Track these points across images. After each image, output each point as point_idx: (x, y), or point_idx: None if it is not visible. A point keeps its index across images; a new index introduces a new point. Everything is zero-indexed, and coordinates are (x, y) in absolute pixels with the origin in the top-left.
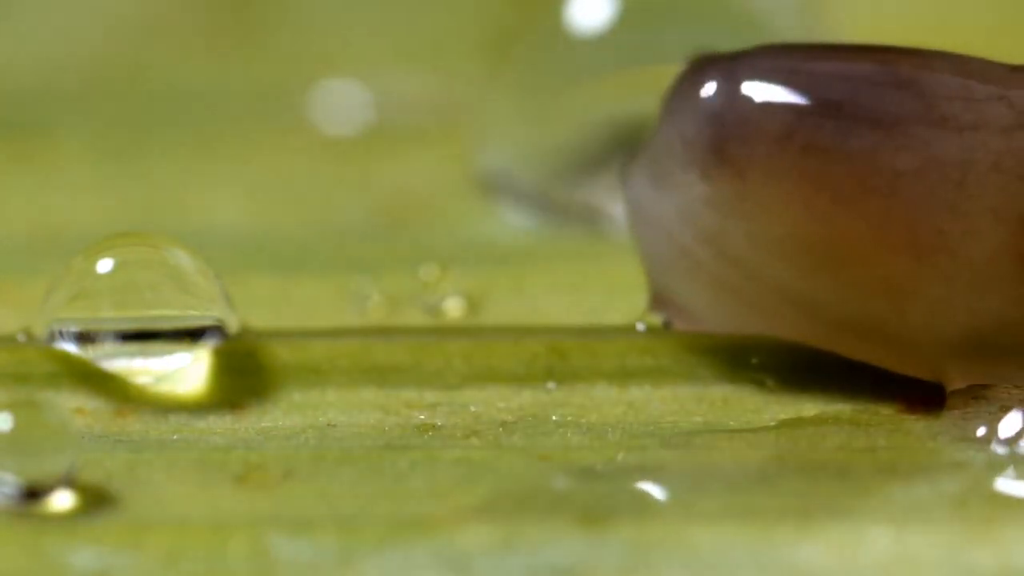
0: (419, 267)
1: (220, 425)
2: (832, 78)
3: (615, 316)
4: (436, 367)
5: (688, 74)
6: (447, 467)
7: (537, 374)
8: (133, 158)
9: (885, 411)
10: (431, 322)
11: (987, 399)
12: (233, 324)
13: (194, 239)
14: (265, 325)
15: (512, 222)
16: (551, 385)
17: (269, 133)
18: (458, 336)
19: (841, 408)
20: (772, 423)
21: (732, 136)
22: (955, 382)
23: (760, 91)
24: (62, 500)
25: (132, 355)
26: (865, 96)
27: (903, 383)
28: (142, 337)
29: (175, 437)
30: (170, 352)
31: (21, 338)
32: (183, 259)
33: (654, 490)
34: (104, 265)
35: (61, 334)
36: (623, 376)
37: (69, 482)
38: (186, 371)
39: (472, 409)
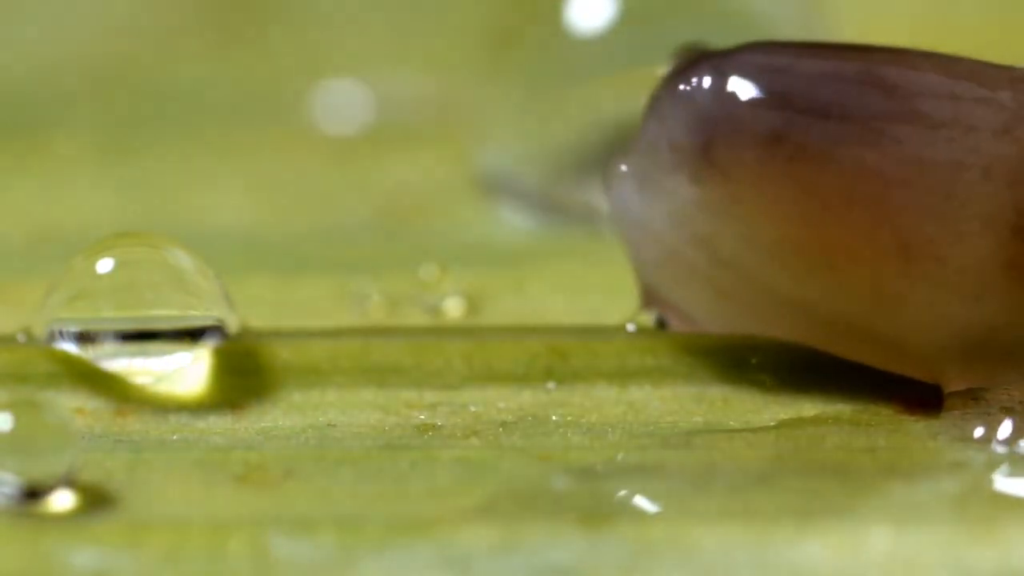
0: (419, 267)
1: (220, 425)
2: (822, 80)
3: (615, 316)
4: (436, 367)
5: (676, 74)
6: (447, 467)
7: (537, 374)
8: (133, 158)
9: (885, 411)
10: (431, 322)
11: (987, 400)
12: (233, 324)
13: (194, 239)
14: (265, 325)
15: (512, 222)
16: (551, 385)
17: (269, 133)
18: (458, 336)
19: (841, 408)
20: (772, 423)
21: (722, 140)
22: (947, 385)
23: (749, 94)
24: (62, 500)
25: (132, 355)
26: (855, 100)
27: (903, 383)
28: (142, 337)
29: (175, 437)
30: (170, 352)
31: (21, 338)
32: (183, 259)
33: (654, 490)
34: (104, 265)
35: (61, 334)
36: (623, 376)
37: (69, 482)
38: (186, 371)
39: (472, 409)
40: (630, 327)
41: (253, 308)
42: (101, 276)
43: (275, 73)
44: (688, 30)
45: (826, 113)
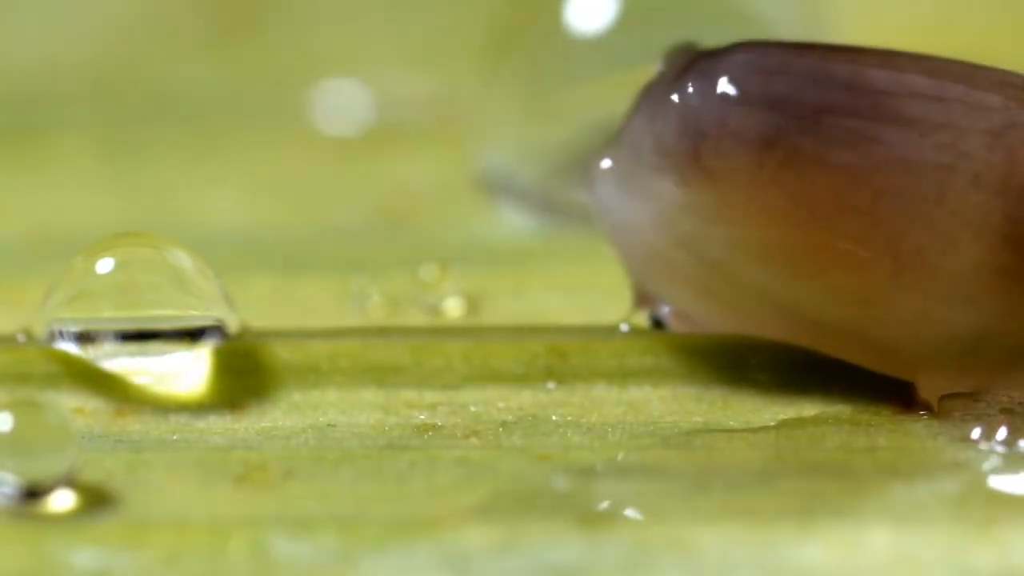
0: (419, 267)
1: (220, 425)
2: (813, 84)
3: (615, 316)
4: (436, 367)
5: (666, 75)
6: (447, 467)
7: (537, 374)
8: (133, 158)
9: (885, 411)
10: (431, 322)
11: (987, 401)
12: (233, 324)
13: (194, 239)
14: (265, 325)
15: (512, 222)
16: (551, 385)
17: (269, 133)
18: (458, 336)
19: (841, 408)
20: (772, 423)
21: (712, 144)
22: (936, 389)
23: (741, 97)
24: (62, 500)
25: (132, 355)
26: (845, 105)
27: (903, 383)
28: (142, 337)
29: (175, 437)
30: (170, 352)
31: (21, 338)
32: (183, 259)
33: (654, 490)
34: (104, 265)
35: (61, 334)
36: (623, 376)
37: (69, 482)
38: (186, 371)
39: (472, 409)
40: (624, 327)
41: (253, 308)
42: (101, 276)
43: (275, 73)
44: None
45: (817, 118)
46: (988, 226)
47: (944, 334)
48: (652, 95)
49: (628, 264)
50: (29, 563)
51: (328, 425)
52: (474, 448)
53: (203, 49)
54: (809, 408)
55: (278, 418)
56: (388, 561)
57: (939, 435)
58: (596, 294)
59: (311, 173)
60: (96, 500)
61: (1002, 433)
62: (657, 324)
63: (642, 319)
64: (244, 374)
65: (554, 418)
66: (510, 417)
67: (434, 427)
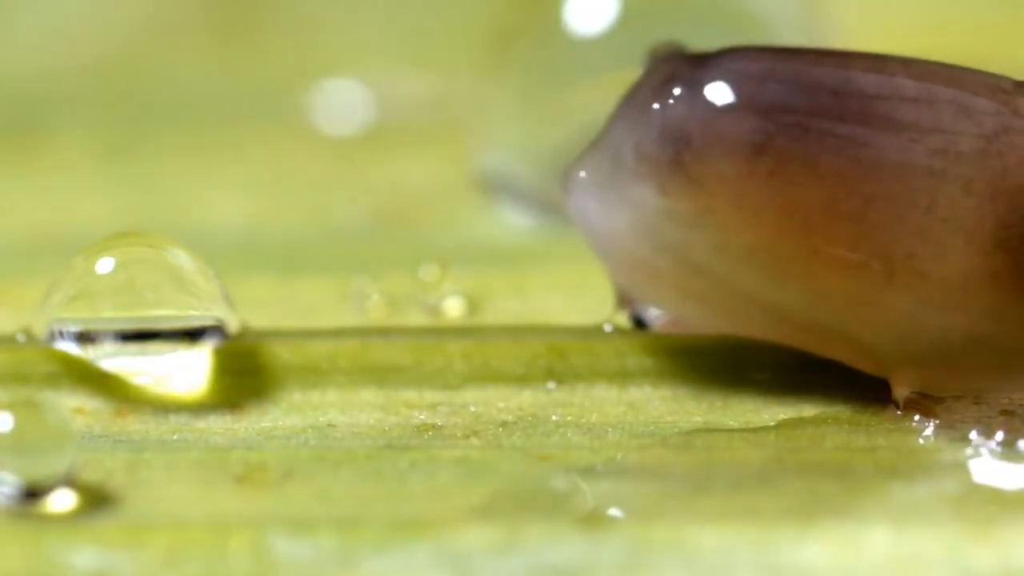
0: (419, 267)
1: (220, 425)
2: (802, 90)
3: (615, 316)
4: (436, 367)
5: (645, 83)
6: (447, 467)
7: (537, 374)
8: (133, 158)
9: (885, 411)
10: (431, 322)
11: (987, 403)
12: (233, 324)
13: (194, 239)
14: (265, 325)
15: (512, 222)
16: (551, 385)
17: (269, 133)
18: (458, 336)
19: (841, 408)
20: (772, 423)
21: (698, 152)
22: (911, 388)
23: (727, 104)
24: (62, 500)
25: (132, 355)
26: (835, 111)
27: None
28: (142, 337)
29: (175, 437)
30: (170, 352)
31: (21, 338)
32: (183, 259)
33: (654, 490)
34: (104, 265)
35: (61, 334)
36: (623, 376)
37: (69, 482)
38: (186, 371)
39: (472, 409)
40: (607, 327)
41: (253, 308)
42: (101, 276)
43: (275, 73)
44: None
45: (806, 124)
46: (980, 232)
47: (932, 338)
48: (632, 102)
49: (611, 271)
50: (29, 563)
51: (328, 425)
52: (474, 448)
53: (203, 49)
54: (809, 408)
55: (278, 418)
56: (388, 561)
57: (939, 435)
58: (596, 294)
59: (311, 173)
60: (96, 500)
61: (1001, 434)
62: (639, 324)
63: (624, 320)
64: (244, 374)
65: (554, 418)
66: (510, 417)
67: (434, 427)
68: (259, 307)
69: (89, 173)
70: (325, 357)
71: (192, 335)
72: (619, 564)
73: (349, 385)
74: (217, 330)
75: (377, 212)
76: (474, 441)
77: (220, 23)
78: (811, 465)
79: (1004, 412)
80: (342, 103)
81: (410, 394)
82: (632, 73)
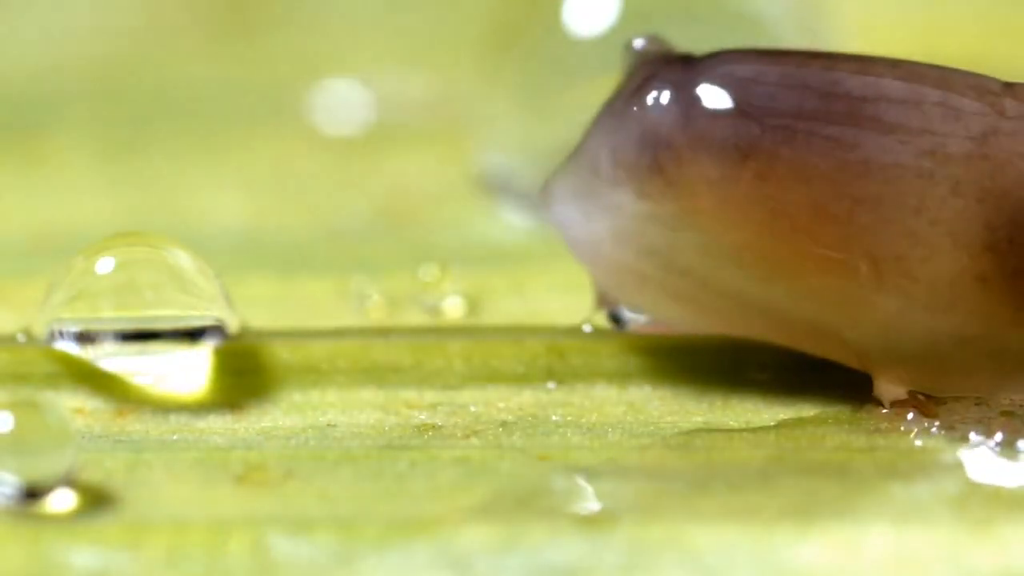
0: (419, 267)
1: (220, 425)
2: (789, 92)
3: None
4: (436, 367)
5: (623, 89)
6: (447, 467)
7: (537, 374)
8: (133, 158)
9: (885, 411)
10: (431, 322)
11: (988, 403)
12: (233, 324)
13: (194, 239)
14: (265, 325)
15: (512, 222)
16: (551, 385)
17: (269, 133)
18: (458, 336)
19: (841, 408)
20: (772, 423)
21: (677, 157)
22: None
23: (712, 111)
24: (62, 500)
25: (132, 355)
26: (822, 114)
27: None
28: (142, 337)
29: (175, 437)
30: (170, 352)
31: (21, 338)
32: (183, 259)
33: (654, 490)
34: (104, 265)
35: (61, 334)
36: (623, 376)
37: (69, 482)
38: (186, 371)
39: (472, 409)
40: (586, 328)
41: (253, 308)
42: (101, 276)
43: (275, 73)
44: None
45: (793, 127)
46: (968, 234)
47: (920, 338)
48: (607, 109)
49: (596, 278)
50: (29, 563)
51: (328, 425)
52: (474, 448)
53: (203, 49)
54: (809, 408)
55: (278, 418)
56: (388, 561)
57: (939, 435)
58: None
59: (311, 173)
60: (96, 500)
61: (1001, 434)
62: (616, 321)
63: (603, 319)
64: (244, 374)
65: (554, 418)
66: (510, 417)
67: (434, 427)
68: (259, 307)
69: (89, 173)
70: (325, 357)
71: (192, 335)
72: (619, 564)
73: (349, 385)
74: (217, 330)
75: (377, 212)
76: (474, 441)
77: (220, 23)
78: (811, 465)
79: (1004, 413)
80: (342, 103)
81: (410, 394)
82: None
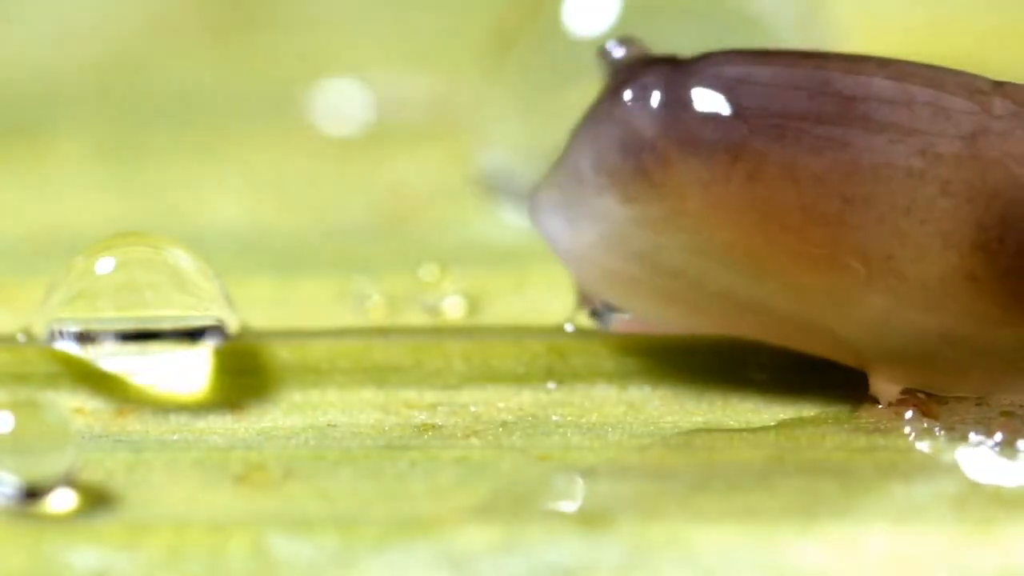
0: (419, 267)
1: (220, 425)
2: (778, 93)
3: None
4: (436, 367)
5: (607, 92)
6: (447, 467)
7: (537, 374)
8: (133, 158)
9: (885, 411)
10: (431, 322)
11: (988, 404)
12: (233, 324)
13: (194, 239)
14: (265, 325)
15: (512, 222)
16: (551, 385)
17: (269, 133)
18: (458, 336)
19: (841, 408)
20: (772, 423)
21: (662, 159)
22: (890, 385)
23: (697, 114)
24: (62, 500)
25: (132, 355)
26: (812, 114)
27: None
28: (142, 337)
29: (175, 437)
30: (170, 352)
31: (21, 338)
32: (183, 259)
33: (654, 490)
34: (104, 265)
35: (61, 334)
36: (623, 376)
37: (69, 482)
38: (186, 371)
39: (472, 409)
40: (568, 327)
41: (253, 308)
42: (101, 276)
43: (275, 73)
44: (688, 30)
45: (783, 128)
46: (958, 234)
47: (912, 337)
48: (589, 116)
49: (586, 286)
50: (29, 563)
51: (328, 425)
52: (474, 448)
53: (203, 49)
54: (809, 408)
55: (278, 418)
56: (388, 561)
57: (939, 435)
58: None
59: (311, 173)
60: (96, 500)
61: (1001, 434)
62: (596, 316)
63: (585, 319)
64: (244, 374)
65: (554, 418)
66: (510, 417)
67: (434, 427)
68: (259, 307)
69: (89, 173)
70: (325, 357)
71: (192, 335)
72: (619, 564)
73: (349, 385)
74: (217, 330)
75: (377, 212)
76: (474, 441)
77: (220, 23)
78: (811, 465)
79: (1004, 413)
80: (342, 103)
81: (410, 394)
82: None
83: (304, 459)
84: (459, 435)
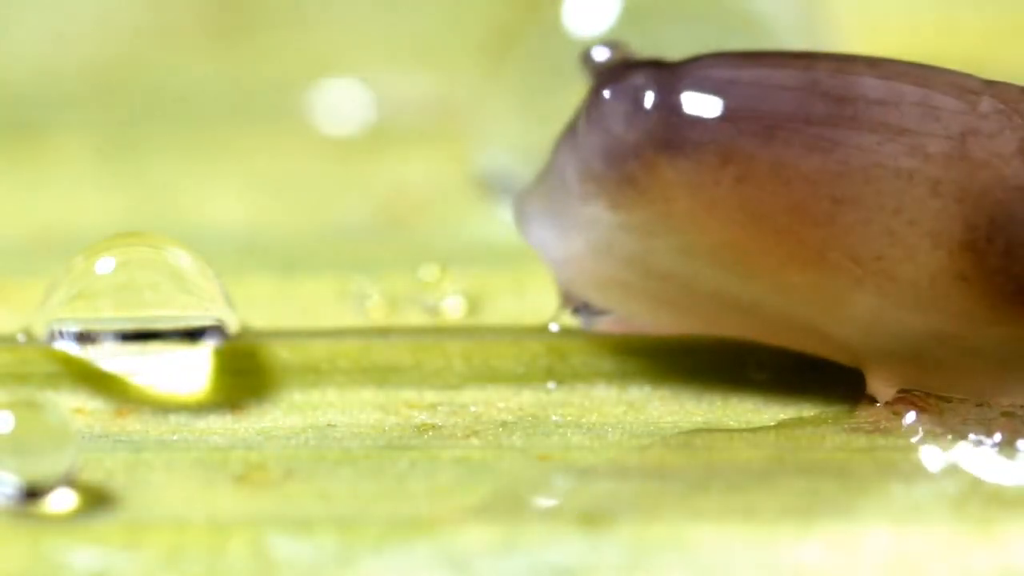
0: (419, 267)
1: (220, 425)
2: (766, 94)
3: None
4: (436, 367)
5: (590, 98)
6: (447, 467)
7: (537, 374)
8: (133, 158)
9: (885, 411)
10: (431, 322)
11: (988, 405)
12: (233, 324)
13: (194, 239)
14: (265, 325)
15: (512, 222)
16: (551, 385)
17: (269, 133)
18: (458, 336)
19: (841, 408)
20: (772, 423)
21: (652, 164)
22: (885, 383)
23: (686, 117)
24: (62, 500)
25: (132, 355)
26: (801, 116)
27: None
28: (142, 337)
29: (175, 437)
30: (170, 352)
31: (21, 338)
32: (183, 259)
33: (654, 490)
34: (104, 265)
35: (61, 334)
36: (623, 376)
37: (69, 482)
38: (186, 371)
39: (472, 409)
40: (553, 327)
41: (253, 308)
42: (101, 276)
43: (275, 73)
44: (688, 30)
45: (771, 130)
46: (947, 233)
47: (899, 334)
48: (573, 123)
49: (579, 292)
50: (29, 563)
51: (328, 425)
52: (474, 448)
53: (203, 49)
54: (809, 408)
55: (278, 418)
56: (388, 561)
57: (939, 435)
58: None
59: (311, 173)
60: (96, 500)
61: (1001, 434)
62: (577, 313)
63: (568, 319)
64: (244, 374)
65: (554, 418)
66: (510, 417)
67: (434, 427)
68: (259, 307)
69: (89, 173)
70: (325, 357)
71: (192, 335)
72: (619, 564)
73: (349, 385)
74: (217, 330)
75: (377, 212)
76: (474, 441)
77: (220, 23)
78: (811, 465)
79: (1004, 413)
80: (342, 103)
81: (410, 394)
82: None
83: (304, 459)
84: (459, 435)
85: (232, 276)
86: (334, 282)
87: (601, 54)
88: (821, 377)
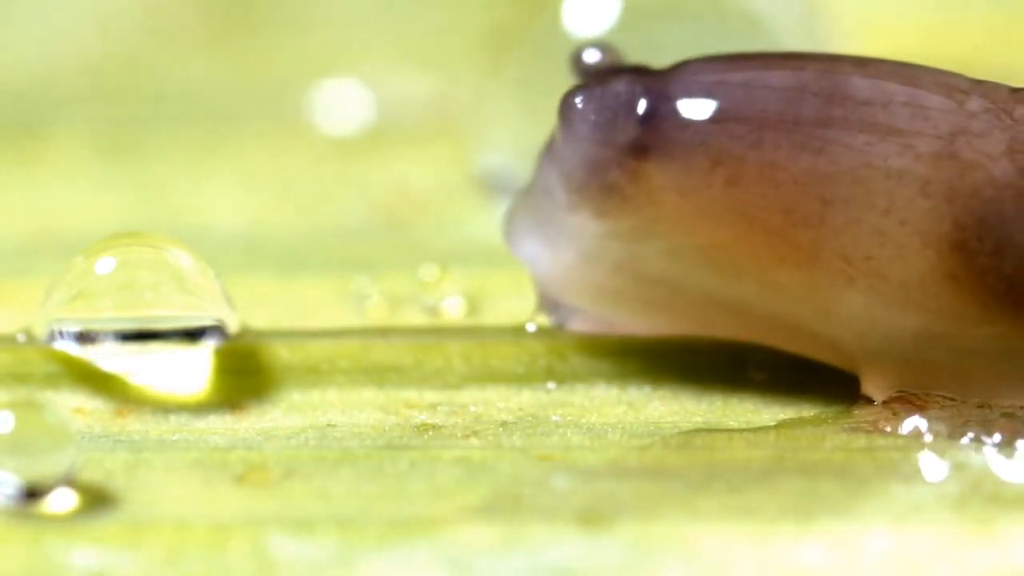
0: (419, 267)
1: (220, 425)
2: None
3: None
4: (436, 367)
5: (568, 109)
6: (447, 467)
7: (537, 374)
8: (133, 158)
9: (885, 411)
10: (431, 322)
11: (989, 406)
12: (233, 324)
13: (194, 239)
14: (265, 325)
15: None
16: (551, 385)
17: (269, 133)
18: (458, 336)
19: (841, 408)
20: (772, 423)
21: (637, 170)
22: (878, 384)
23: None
24: (62, 500)
25: (132, 355)
26: (789, 118)
27: None
28: (142, 337)
29: (175, 437)
30: (170, 352)
31: (21, 338)
32: (183, 259)
33: (654, 490)
34: (104, 265)
35: (61, 334)
36: (623, 376)
37: (69, 482)
38: (186, 371)
39: (472, 409)
40: (530, 327)
41: (253, 308)
42: (101, 276)
43: (275, 73)
44: (688, 30)
45: (760, 132)
46: (937, 233)
47: (890, 334)
48: (555, 137)
49: (538, 281)
50: (29, 563)
51: (328, 425)
52: (474, 448)
53: (203, 49)
54: (809, 408)
55: (278, 418)
56: (388, 561)
57: (939, 435)
58: None
59: (311, 173)
60: (96, 500)
61: (1001, 435)
62: (551, 313)
63: (545, 320)
64: (244, 374)
65: (554, 418)
66: (510, 417)
67: (434, 427)
68: (259, 307)
69: (89, 173)
70: (325, 357)
71: (192, 335)
72: (619, 564)
73: (349, 385)
74: (217, 330)
75: (377, 212)
76: (474, 441)
77: (220, 23)
78: (811, 465)
79: (1005, 414)
80: (342, 103)
81: (410, 394)
82: None
83: (304, 459)
84: (459, 435)
85: (232, 276)
86: (334, 282)
87: (592, 56)
88: (820, 377)
